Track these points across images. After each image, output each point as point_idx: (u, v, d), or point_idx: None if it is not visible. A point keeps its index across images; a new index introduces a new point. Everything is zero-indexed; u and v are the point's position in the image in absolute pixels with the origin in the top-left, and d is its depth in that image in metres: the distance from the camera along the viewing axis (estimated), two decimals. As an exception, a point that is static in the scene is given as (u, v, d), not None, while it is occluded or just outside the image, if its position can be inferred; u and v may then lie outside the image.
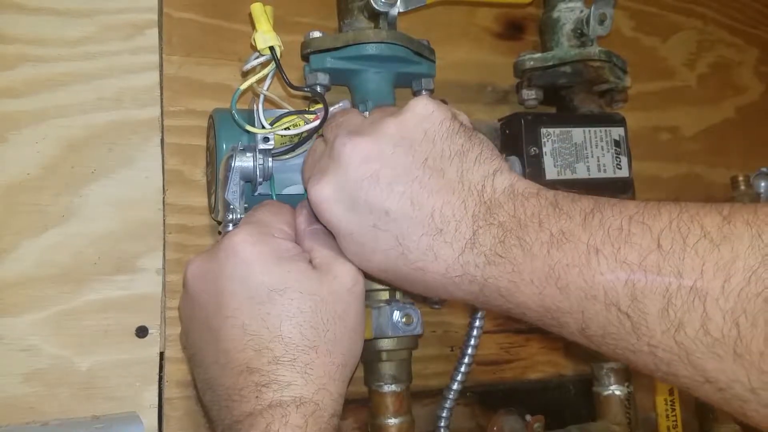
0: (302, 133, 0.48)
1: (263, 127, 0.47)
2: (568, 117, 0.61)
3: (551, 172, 0.58)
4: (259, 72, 0.47)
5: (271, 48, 0.46)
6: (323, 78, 0.54)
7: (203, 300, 0.43)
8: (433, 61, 0.58)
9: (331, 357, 0.41)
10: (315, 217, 0.47)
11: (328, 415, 0.40)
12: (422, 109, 0.41)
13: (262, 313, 0.40)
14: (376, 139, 0.41)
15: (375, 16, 0.54)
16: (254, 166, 0.47)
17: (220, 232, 0.49)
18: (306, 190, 0.44)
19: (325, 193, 0.41)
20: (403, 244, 0.39)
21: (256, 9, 0.47)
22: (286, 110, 0.50)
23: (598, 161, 0.59)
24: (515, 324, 0.65)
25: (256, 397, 0.39)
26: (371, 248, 0.40)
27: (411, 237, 0.39)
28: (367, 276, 0.44)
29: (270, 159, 0.47)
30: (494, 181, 0.39)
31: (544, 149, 0.58)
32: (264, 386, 0.39)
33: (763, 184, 0.74)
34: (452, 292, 0.39)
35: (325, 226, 0.46)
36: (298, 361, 0.40)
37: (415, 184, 0.39)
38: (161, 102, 0.54)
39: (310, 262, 0.43)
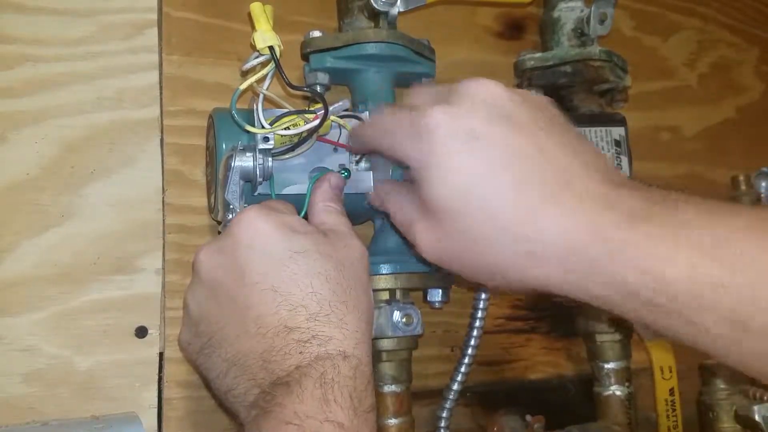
0: (302, 132, 0.48)
1: (263, 127, 0.47)
2: (568, 117, 0.61)
3: (551, 172, 0.58)
4: (259, 72, 0.47)
5: (271, 47, 0.46)
6: (323, 77, 0.54)
7: (222, 275, 0.43)
8: (433, 61, 0.57)
9: (359, 313, 0.42)
10: (333, 195, 0.48)
11: (368, 371, 0.40)
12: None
13: (289, 273, 0.41)
14: (499, 84, 0.40)
15: (375, 15, 0.54)
16: (254, 166, 0.47)
17: (219, 232, 0.49)
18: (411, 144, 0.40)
19: (475, 123, 0.38)
20: (545, 187, 0.36)
21: (256, 8, 0.47)
22: (286, 110, 0.50)
23: (599, 161, 0.59)
24: (515, 324, 0.65)
25: (300, 352, 0.39)
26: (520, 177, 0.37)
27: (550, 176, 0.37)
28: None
29: (270, 159, 0.47)
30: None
31: (545, 149, 0.58)
32: (306, 342, 0.39)
33: (763, 183, 0.74)
34: (562, 262, 0.35)
35: (340, 206, 0.47)
36: (333, 316, 0.41)
37: (555, 130, 0.39)
38: (161, 102, 0.54)
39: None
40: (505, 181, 0.37)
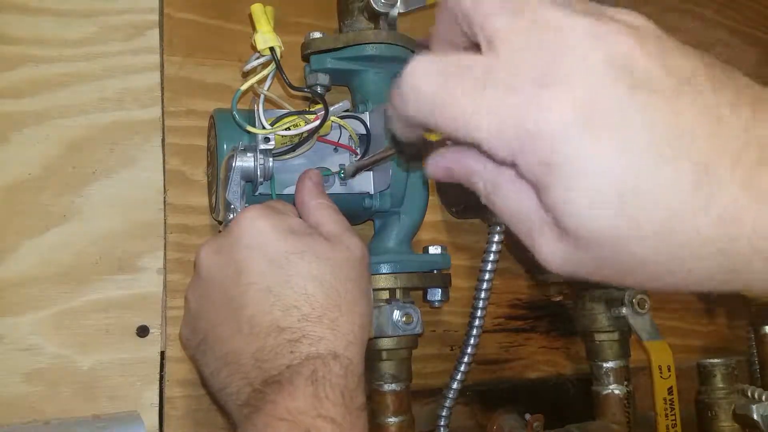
0: (303, 133, 0.48)
1: (264, 128, 0.47)
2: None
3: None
4: (260, 72, 0.47)
5: (272, 48, 0.46)
6: (323, 78, 0.54)
7: (220, 274, 0.43)
8: (433, 62, 0.58)
9: (352, 316, 0.42)
10: (319, 191, 0.48)
11: (359, 371, 0.41)
12: None
13: (284, 275, 0.42)
14: None
15: (375, 16, 0.54)
16: (255, 166, 0.47)
17: (220, 232, 0.49)
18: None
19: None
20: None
21: (257, 10, 0.47)
22: (287, 111, 0.50)
23: (598, 161, 0.60)
24: (515, 323, 0.65)
25: (291, 351, 0.40)
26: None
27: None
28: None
29: (271, 159, 0.48)
30: None
31: (544, 149, 0.58)
32: (297, 342, 0.40)
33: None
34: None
35: (330, 201, 0.47)
36: (325, 318, 0.41)
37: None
38: (162, 102, 0.54)
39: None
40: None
